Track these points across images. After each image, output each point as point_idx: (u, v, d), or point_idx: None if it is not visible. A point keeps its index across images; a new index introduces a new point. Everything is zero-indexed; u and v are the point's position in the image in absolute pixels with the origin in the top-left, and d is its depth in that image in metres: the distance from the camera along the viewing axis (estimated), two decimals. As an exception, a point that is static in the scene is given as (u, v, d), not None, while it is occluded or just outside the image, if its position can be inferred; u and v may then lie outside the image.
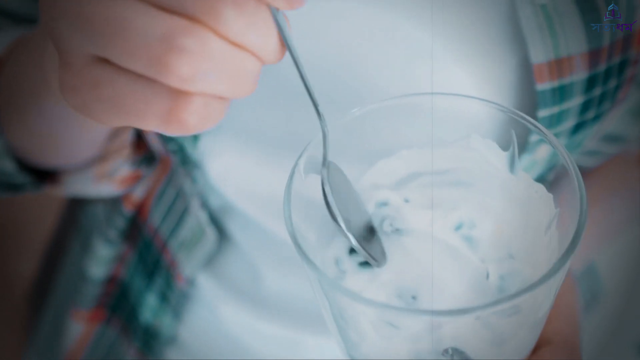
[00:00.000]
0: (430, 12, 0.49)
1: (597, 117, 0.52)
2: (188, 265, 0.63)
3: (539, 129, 0.40)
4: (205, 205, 0.62)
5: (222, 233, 0.63)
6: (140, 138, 0.61)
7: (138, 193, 0.66)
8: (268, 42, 0.33)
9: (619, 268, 0.78)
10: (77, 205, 0.77)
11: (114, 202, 0.68)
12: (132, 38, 0.32)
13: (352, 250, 0.42)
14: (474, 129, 0.43)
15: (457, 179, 0.44)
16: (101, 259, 0.68)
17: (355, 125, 0.43)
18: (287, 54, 0.35)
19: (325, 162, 0.40)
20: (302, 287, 0.62)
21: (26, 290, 0.96)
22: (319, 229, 0.42)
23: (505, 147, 0.43)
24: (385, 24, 0.50)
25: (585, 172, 0.60)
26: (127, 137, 0.58)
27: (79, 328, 0.71)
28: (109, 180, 0.61)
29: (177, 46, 0.31)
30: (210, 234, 0.61)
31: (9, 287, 1.24)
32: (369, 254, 0.40)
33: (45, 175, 0.59)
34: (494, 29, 0.49)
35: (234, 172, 0.57)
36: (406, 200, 0.43)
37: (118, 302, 0.70)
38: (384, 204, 0.43)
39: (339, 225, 0.39)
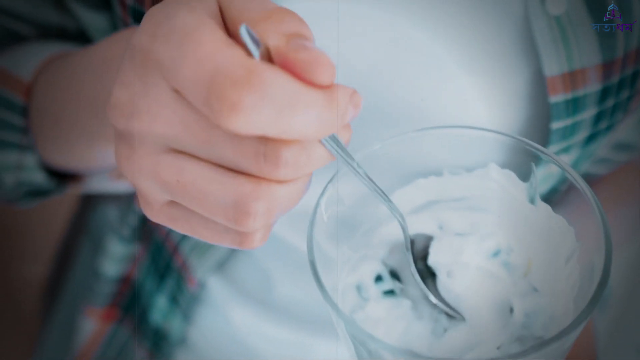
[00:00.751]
0: (443, 24, 0.49)
1: (609, 128, 0.52)
2: (200, 268, 0.63)
3: (551, 157, 0.41)
4: None
5: None
6: None
7: None
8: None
9: (628, 272, 0.79)
10: (87, 208, 0.77)
11: (128, 201, 0.68)
12: (206, 202, 0.35)
13: (378, 278, 0.43)
14: (491, 158, 0.43)
15: (475, 207, 0.44)
16: (115, 256, 0.69)
17: (374, 157, 0.43)
18: None
19: (407, 246, 0.43)
20: (314, 294, 0.62)
21: (37, 292, 0.96)
22: (346, 254, 0.43)
23: (522, 176, 0.43)
24: (398, 35, 0.49)
25: (594, 179, 0.60)
26: None
27: (91, 326, 0.71)
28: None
29: (249, 211, 0.35)
30: None
31: (18, 290, 1.24)
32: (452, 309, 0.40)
33: (67, 177, 0.60)
34: (507, 40, 0.49)
35: None
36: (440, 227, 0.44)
37: (131, 302, 0.70)
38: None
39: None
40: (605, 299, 0.75)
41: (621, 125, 0.54)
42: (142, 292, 0.69)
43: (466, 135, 0.42)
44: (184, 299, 0.65)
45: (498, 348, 0.40)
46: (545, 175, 0.47)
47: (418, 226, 0.45)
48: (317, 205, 0.41)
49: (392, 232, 0.45)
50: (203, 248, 0.63)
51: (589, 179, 0.45)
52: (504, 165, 0.43)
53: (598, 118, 0.50)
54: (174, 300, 0.66)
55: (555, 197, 0.48)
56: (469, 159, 0.43)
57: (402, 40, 0.49)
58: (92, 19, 0.57)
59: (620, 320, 0.79)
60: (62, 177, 0.59)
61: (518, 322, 0.39)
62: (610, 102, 0.50)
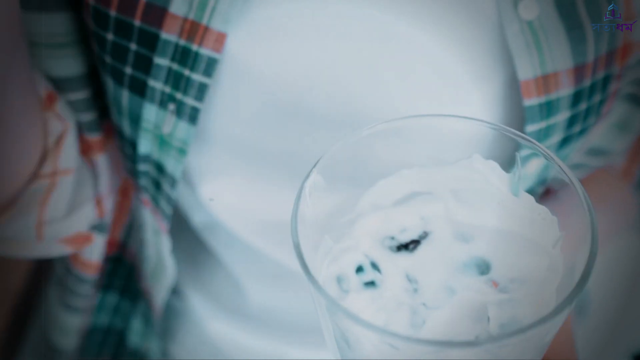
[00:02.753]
0: (418, 29, 0.49)
1: (582, 131, 0.53)
2: (159, 294, 0.62)
3: (533, 143, 0.41)
4: (168, 233, 0.60)
5: (206, 249, 0.62)
6: (100, 199, 0.59)
7: (88, 255, 0.62)
8: None
9: (605, 279, 0.79)
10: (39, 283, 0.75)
11: (67, 268, 0.65)
12: None
13: (359, 269, 0.42)
14: (473, 146, 0.43)
15: (458, 198, 0.44)
16: (70, 329, 0.66)
17: (356, 146, 0.43)
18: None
19: None
20: (288, 302, 0.62)
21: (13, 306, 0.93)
22: (324, 246, 0.43)
23: (506, 167, 0.43)
24: (374, 41, 0.50)
25: None
26: (63, 157, 0.54)
27: None
28: (54, 236, 0.56)
29: None
30: (169, 264, 0.60)
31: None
32: None
33: None
34: (481, 46, 0.50)
35: (226, 191, 0.57)
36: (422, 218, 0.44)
37: (95, 336, 0.69)
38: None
39: None
40: (584, 306, 0.75)
41: (594, 130, 0.55)
42: (117, 317, 0.67)
43: (450, 125, 0.42)
44: (156, 323, 0.65)
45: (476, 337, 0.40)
46: (532, 170, 0.47)
47: (401, 218, 0.45)
48: (302, 188, 0.40)
49: (374, 224, 0.45)
50: (157, 273, 0.62)
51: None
52: (488, 156, 0.43)
53: (571, 121, 0.51)
54: (147, 322, 0.65)
55: (540, 189, 0.48)
56: (453, 149, 0.43)
57: (377, 46, 0.50)
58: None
59: (602, 328, 0.79)
60: None
61: (494, 325, 0.39)
62: (583, 106, 0.51)
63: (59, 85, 0.54)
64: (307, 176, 0.41)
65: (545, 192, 0.48)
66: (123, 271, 0.66)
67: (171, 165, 0.53)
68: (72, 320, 0.65)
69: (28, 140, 0.51)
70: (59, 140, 0.53)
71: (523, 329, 0.35)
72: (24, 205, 0.53)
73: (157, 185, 0.56)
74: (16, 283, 0.90)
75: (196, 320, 0.65)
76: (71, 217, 0.55)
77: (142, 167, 0.55)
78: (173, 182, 0.54)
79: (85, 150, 0.57)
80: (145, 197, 0.58)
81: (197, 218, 0.60)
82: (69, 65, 0.54)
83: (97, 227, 0.59)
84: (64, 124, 0.54)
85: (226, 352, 0.65)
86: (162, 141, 0.52)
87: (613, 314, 0.82)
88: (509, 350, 0.39)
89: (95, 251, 0.61)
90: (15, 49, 0.46)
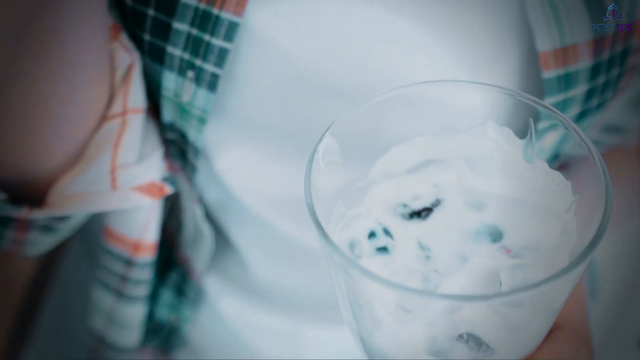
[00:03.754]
0: (436, 4, 0.49)
1: (599, 106, 0.53)
2: (198, 262, 0.62)
3: (551, 109, 0.41)
4: (201, 201, 0.60)
5: (217, 228, 0.62)
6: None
7: (126, 230, 0.58)
8: None
9: (617, 262, 0.79)
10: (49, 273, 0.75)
11: (93, 254, 0.64)
12: None
13: (371, 234, 0.42)
14: (489, 115, 0.43)
15: (471, 166, 0.44)
16: (105, 309, 0.63)
17: (370, 112, 0.43)
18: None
19: None
20: (299, 280, 0.62)
21: (22, 297, 0.94)
22: (337, 213, 0.43)
23: (520, 134, 0.43)
24: (391, 19, 0.50)
25: None
26: (132, 95, 0.51)
27: None
28: (128, 183, 0.53)
29: None
30: (206, 231, 0.60)
31: (7, 287, 1.23)
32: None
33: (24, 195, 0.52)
34: (501, 18, 0.50)
35: (242, 164, 0.57)
36: (435, 186, 0.44)
37: None
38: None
39: None
40: (595, 290, 0.75)
41: (611, 107, 0.55)
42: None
43: (466, 91, 0.43)
44: (191, 290, 0.64)
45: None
46: (548, 143, 0.47)
47: (413, 185, 0.45)
48: (315, 151, 0.41)
49: (387, 191, 0.45)
50: (195, 243, 0.62)
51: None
52: (502, 123, 0.43)
53: (589, 95, 0.51)
54: (180, 292, 0.65)
55: (555, 164, 0.48)
56: (468, 117, 0.43)
57: (390, 23, 0.50)
58: None
59: (612, 312, 0.79)
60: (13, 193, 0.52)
61: (506, 280, 0.39)
62: (601, 79, 0.51)
63: None
64: (320, 139, 0.41)
65: (559, 167, 0.48)
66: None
67: (193, 134, 0.53)
68: (106, 299, 0.63)
69: (98, 76, 0.49)
70: (128, 73, 0.51)
71: (534, 285, 0.35)
72: (95, 152, 0.50)
73: (183, 154, 0.56)
74: (28, 267, 0.90)
75: (209, 299, 0.65)
76: (144, 164, 0.53)
77: (169, 135, 0.55)
78: (196, 152, 0.54)
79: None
80: (177, 164, 0.57)
81: (211, 195, 0.60)
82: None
83: (169, 180, 0.56)
84: (131, 55, 0.51)
85: (239, 331, 0.65)
86: (183, 110, 0.52)
87: (623, 297, 0.82)
88: (520, 313, 0.39)
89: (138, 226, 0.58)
90: None
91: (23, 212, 0.50)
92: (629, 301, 0.83)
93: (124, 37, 0.51)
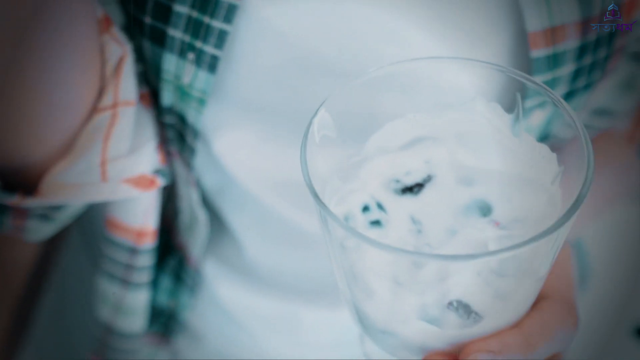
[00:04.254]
0: None
1: (587, 86, 0.54)
2: (194, 248, 0.64)
3: (538, 84, 0.42)
4: (198, 185, 0.61)
5: (214, 214, 0.63)
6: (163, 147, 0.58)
7: (128, 218, 0.59)
8: None
9: (607, 248, 0.80)
10: (51, 258, 0.75)
11: (97, 240, 0.64)
12: None
13: (365, 208, 0.44)
14: (479, 92, 0.44)
15: (462, 143, 0.46)
16: (111, 298, 0.64)
17: (364, 89, 0.44)
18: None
19: None
20: (297, 264, 0.63)
21: (21, 286, 0.95)
22: (332, 187, 0.44)
23: (508, 109, 0.44)
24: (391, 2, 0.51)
25: None
26: (123, 86, 0.52)
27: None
28: (119, 175, 0.54)
29: None
30: (202, 216, 0.61)
31: (6, 276, 1.23)
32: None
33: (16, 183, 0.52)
34: (490, 1, 0.51)
35: (239, 146, 0.58)
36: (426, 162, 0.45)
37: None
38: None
39: None
40: (585, 275, 0.76)
41: (599, 88, 0.56)
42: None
43: (457, 68, 0.44)
44: (188, 276, 0.65)
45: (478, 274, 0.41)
46: (536, 121, 0.49)
47: (406, 161, 0.46)
48: (310, 124, 0.42)
49: (380, 167, 0.46)
50: (190, 229, 0.63)
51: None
52: (493, 99, 0.44)
53: (576, 75, 0.52)
54: (178, 278, 0.66)
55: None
56: (459, 93, 0.45)
57: (385, 1, 0.51)
58: None
59: (604, 301, 0.80)
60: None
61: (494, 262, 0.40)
62: (588, 60, 0.52)
63: None
64: (315, 113, 0.42)
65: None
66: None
67: (192, 116, 0.54)
68: (113, 288, 0.63)
69: (87, 67, 0.49)
70: (119, 65, 0.51)
71: (516, 245, 0.36)
72: (86, 143, 0.51)
73: (182, 138, 0.57)
74: (30, 253, 0.91)
75: (207, 284, 0.66)
76: (134, 156, 0.53)
77: (168, 119, 0.56)
78: (195, 134, 0.56)
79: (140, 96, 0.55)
80: (174, 149, 0.58)
81: (208, 179, 0.61)
82: (114, 16, 0.54)
83: (161, 172, 0.56)
84: (122, 47, 0.52)
85: (236, 316, 0.66)
86: (183, 92, 0.53)
87: (616, 286, 0.82)
88: (507, 281, 0.40)
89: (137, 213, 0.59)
90: None
91: (16, 200, 0.51)
92: (625, 290, 0.84)
93: (115, 30, 0.52)
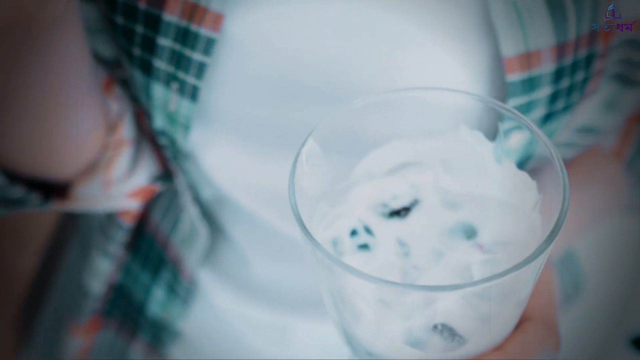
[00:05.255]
0: (405, 6, 0.51)
1: (566, 108, 0.55)
2: (190, 260, 0.65)
3: (516, 114, 0.43)
4: (196, 199, 0.63)
5: (214, 224, 0.65)
6: (159, 150, 0.62)
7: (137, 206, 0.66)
8: None
9: (600, 262, 0.81)
10: (74, 215, 0.78)
11: (110, 215, 0.68)
12: None
13: (353, 232, 0.45)
14: (461, 119, 0.46)
15: (447, 168, 0.47)
16: (101, 273, 0.69)
17: (350, 117, 0.46)
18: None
19: None
20: (292, 275, 0.64)
21: (22, 290, 0.96)
22: (320, 212, 0.45)
23: (490, 137, 0.46)
24: (358, 19, 0.52)
25: None
26: (123, 133, 0.58)
27: (78, 342, 0.72)
28: (120, 192, 0.60)
29: None
30: (202, 229, 0.63)
31: (7, 285, 1.25)
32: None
33: (51, 190, 0.58)
34: (467, 23, 0.52)
35: (228, 162, 0.59)
36: (412, 186, 0.47)
37: (114, 304, 0.71)
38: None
39: None
40: (578, 286, 0.77)
41: (581, 108, 0.57)
42: (136, 289, 0.70)
43: (439, 97, 0.45)
44: (181, 289, 0.67)
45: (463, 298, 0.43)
46: (515, 144, 0.50)
47: (392, 186, 0.47)
48: (299, 154, 0.43)
49: (367, 191, 0.47)
50: (189, 242, 0.65)
51: None
52: (474, 127, 0.46)
53: (554, 97, 0.53)
54: (171, 290, 0.68)
55: (527, 166, 0.51)
56: (441, 121, 0.46)
57: (362, 26, 0.52)
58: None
59: (599, 312, 0.80)
60: (43, 189, 0.58)
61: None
62: (565, 83, 0.53)
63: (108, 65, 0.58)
64: (304, 143, 0.44)
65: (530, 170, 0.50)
66: (144, 244, 0.69)
67: (180, 140, 0.57)
68: (104, 264, 0.69)
69: (95, 117, 0.56)
70: (118, 120, 0.57)
71: (499, 275, 0.38)
72: (90, 171, 0.58)
73: (175, 158, 0.60)
74: (46, 228, 0.93)
75: (204, 295, 0.68)
76: (133, 175, 0.60)
77: (162, 140, 0.59)
78: (184, 156, 0.58)
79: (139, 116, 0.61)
80: (173, 165, 0.61)
81: (206, 193, 0.63)
82: (105, 49, 0.58)
83: (161, 178, 0.62)
84: (122, 106, 0.57)
85: (233, 326, 0.67)
86: (171, 117, 0.55)
87: (609, 297, 0.83)
88: (490, 304, 0.42)
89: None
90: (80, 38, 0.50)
91: (53, 206, 0.58)
92: (616, 302, 0.84)
93: (116, 91, 0.57)
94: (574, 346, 0.75)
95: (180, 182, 0.62)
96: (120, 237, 0.67)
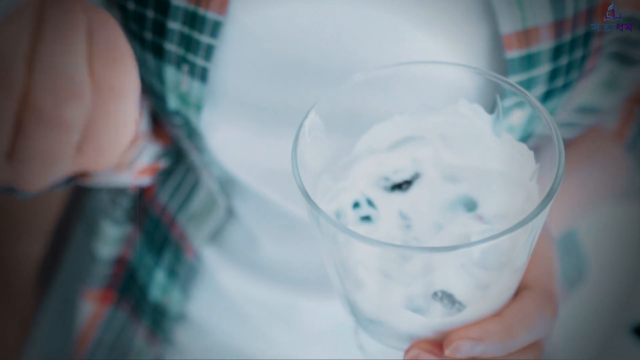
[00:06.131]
0: None
1: (566, 86, 0.56)
2: (198, 236, 0.66)
3: (515, 86, 0.45)
4: (212, 176, 0.65)
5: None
6: (161, 130, 0.63)
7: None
8: None
9: (605, 246, 0.81)
10: (82, 191, 0.80)
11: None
12: None
13: (355, 205, 0.46)
14: (461, 94, 0.47)
15: (447, 143, 0.48)
16: (109, 239, 0.71)
17: (352, 93, 0.47)
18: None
19: None
20: (299, 255, 0.65)
21: (30, 273, 0.98)
22: (323, 186, 0.46)
23: (489, 110, 0.47)
24: (365, 4, 0.53)
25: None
26: (139, 127, 0.59)
27: (89, 308, 0.73)
28: (127, 170, 0.61)
29: None
30: (222, 203, 0.65)
31: (15, 270, 1.26)
32: None
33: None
34: (465, 3, 0.53)
35: (233, 143, 0.61)
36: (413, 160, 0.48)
37: (127, 284, 0.72)
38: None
39: None
40: (581, 271, 0.78)
41: (580, 87, 0.58)
42: (140, 271, 0.71)
43: (440, 71, 0.46)
44: (183, 270, 0.68)
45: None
46: (516, 120, 0.51)
47: (394, 160, 0.49)
48: (301, 126, 0.44)
49: (369, 166, 0.49)
50: (200, 217, 0.66)
51: None
52: (473, 100, 0.47)
53: (553, 75, 0.54)
54: (172, 273, 0.69)
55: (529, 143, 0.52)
56: (442, 96, 0.47)
57: (364, 8, 0.53)
58: None
59: (601, 298, 0.81)
60: None
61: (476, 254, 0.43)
62: (564, 60, 0.54)
63: None
64: (306, 116, 0.45)
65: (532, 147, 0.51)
66: (150, 225, 0.71)
67: (193, 119, 0.58)
68: (113, 231, 0.71)
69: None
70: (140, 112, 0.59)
71: (494, 236, 0.39)
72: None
73: (190, 137, 0.61)
74: (35, 253, 0.94)
75: (211, 275, 0.69)
76: (139, 157, 0.61)
77: (177, 120, 0.60)
78: (198, 136, 0.60)
79: None
80: (188, 143, 0.63)
81: (216, 172, 0.64)
82: None
83: (165, 155, 0.63)
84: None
85: (240, 306, 0.68)
86: (183, 98, 0.57)
87: (614, 285, 0.84)
88: (488, 273, 0.43)
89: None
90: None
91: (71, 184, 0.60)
92: (623, 289, 0.85)
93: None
94: (575, 333, 0.76)
95: (196, 159, 0.64)
96: (125, 203, 0.69)
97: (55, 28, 0.39)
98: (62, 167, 0.41)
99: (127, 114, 0.43)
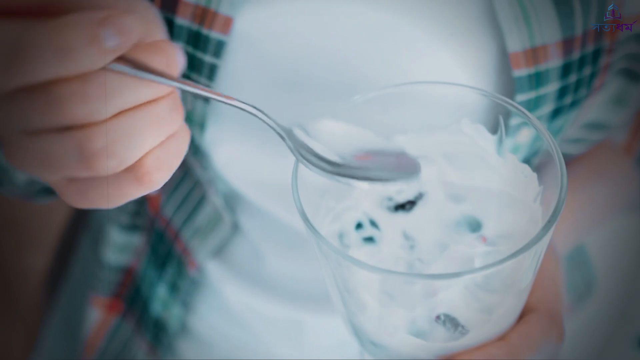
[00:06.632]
0: (409, 4, 0.52)
1: (574, 103, 0.55)
2: (202, 251, 0.66)
3: (519, 109, 0.44)
4: (218, 191, 0.64)
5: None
6: None
7: None
8: None
9: (611, 260, 0.81)
10: None
11: None
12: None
13: (358, 225, 0.46)
14: (464, 114, 0.46)
15: (451, 162, 0.48)
16: (116, 245, 0.71)
17: (354, 112, 0.46)
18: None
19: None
20: (304, 270, 0.65)
21: (36, 283, 0.98)
22: (326, 206, 0.46)
23: (492, 130, 0.46)
24: (366, 19, 0.53)
25: (569, 159, 0.63)
26: None
27: (97, 315, 0.73)
28: None
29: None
30: (227, 218, 0.64)
31: (18, 280, 1.26)
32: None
33: None
34: (472, 20, 0.52)
35: (237, 159, 0.60)
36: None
37: (134, 296, 0.72)
38: None
39: None
40: (589, 284, 0.77)
41: (589, 104, 0.57)
42: (144, 284, 0.71)
43: (442, 91, 0.46)
44: (184, 285, 0.68)
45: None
46: (522, 140, 0.50)
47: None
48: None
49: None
50: (205, 232, 0.66)
51: (564, 158, 0.49)
52: (477, 118, 0.46)
53: (562, 93, 0.54)
54: (173, 288, 0.69)
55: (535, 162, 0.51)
56: (445, 115, 0.47)
57: (369, 23, 0.53)
58: None
59: (609, 310, 0.80)
60: None
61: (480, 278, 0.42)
62: (573, 78, 0.53)
63: None
64: None
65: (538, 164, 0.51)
66: (154, 239, 0.70)
67: (197, 137, 0.58)
68: (120, 237, 0.71)
69: None
70: None
71: (498, 262, 0.38)
72: None
73: (195, 154, 0.61)
74: (41, 263, 0.94)
75: (214, 289, 0.68)
76: None
77: None
78: (202, 153, 0.60)
79: None
80: (193, 160, 0.63)
81: (221, 188, 0.64)
82: None
83: None
84: None
85: (244, 320, 0.68)
86: (188, 117, 0.57)
87: (620, 295, 0.83)
88: (492, 295, 0.42)
89: None
90: None
91: None
92: (628, 300, 0.84)
93: None
94: (581, 345, 0.76)
95: (201, 175, 0.64)
96: (129, 207, 0.69)
97: None
98: None
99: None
